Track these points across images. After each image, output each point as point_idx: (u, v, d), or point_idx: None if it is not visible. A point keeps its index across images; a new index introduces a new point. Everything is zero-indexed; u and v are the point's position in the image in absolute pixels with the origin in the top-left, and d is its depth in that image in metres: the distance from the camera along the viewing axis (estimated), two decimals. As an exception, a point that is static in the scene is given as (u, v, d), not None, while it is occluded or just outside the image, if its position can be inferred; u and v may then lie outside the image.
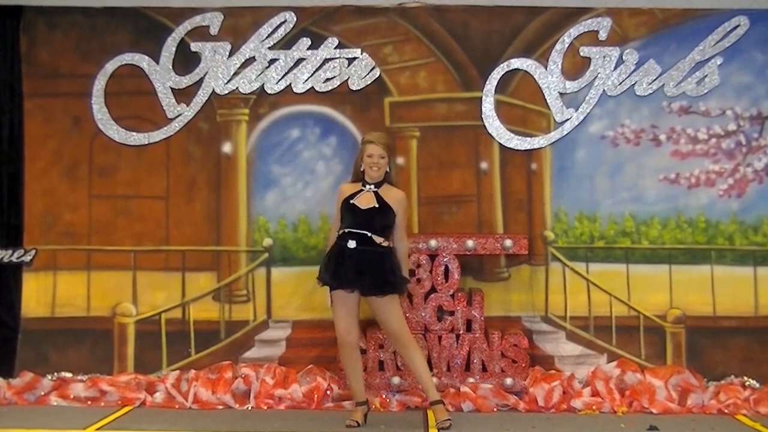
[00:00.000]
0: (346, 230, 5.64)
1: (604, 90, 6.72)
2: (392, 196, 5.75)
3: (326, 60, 6.76)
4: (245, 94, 6.78)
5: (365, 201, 5.71)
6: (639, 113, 6.72)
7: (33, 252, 6.76)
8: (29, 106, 6.82)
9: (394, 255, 5.72)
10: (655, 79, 6.71)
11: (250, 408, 6.24)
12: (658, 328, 6.67)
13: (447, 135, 6.79)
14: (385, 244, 5.66)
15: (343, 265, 5.58)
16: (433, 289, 6.37)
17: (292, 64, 6.77)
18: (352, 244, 5.58)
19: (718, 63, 6.69)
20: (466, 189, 6.77)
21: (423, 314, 6.35)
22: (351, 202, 5.68)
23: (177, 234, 6.78)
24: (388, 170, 5.74)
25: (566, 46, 6.74)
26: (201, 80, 6.78)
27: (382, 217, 5.67)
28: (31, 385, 6.49)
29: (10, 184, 6.79)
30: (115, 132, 6.81)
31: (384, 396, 6.26)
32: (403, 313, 5.86)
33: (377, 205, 5.69)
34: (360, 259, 5.58)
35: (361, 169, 5.79)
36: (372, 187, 5.76)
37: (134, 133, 6.81)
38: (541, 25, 6.74)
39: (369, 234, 5.60)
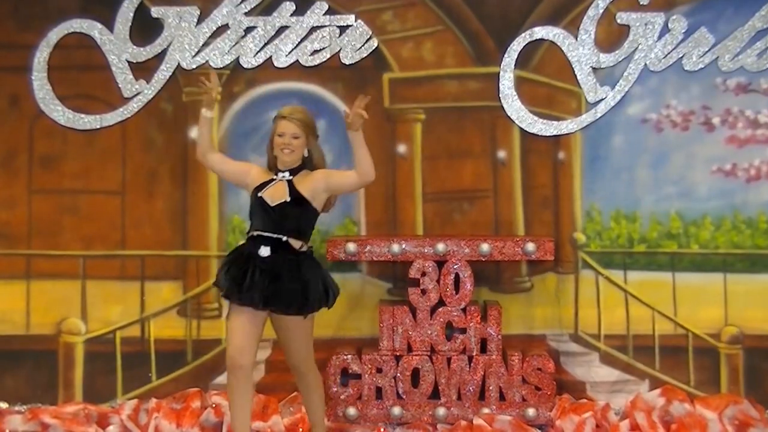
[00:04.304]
0: (256, 233, 5.07)
1: (645, 64, 6.32)
2: (308, 183, 5.10)
3: (314, 28, 6.39)
4: (217, 68, 6.32)
5: (275, 194, 5.09)
6: (688, 92, 6.34)
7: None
8: (-44, 83, 6.56)
9: (315, 261, 5.15)
10: (707, 51, 6.29)
11: (221, 445, 5.91)
12: (710, 349, 6.34)
13: (458, 118, 6.42)
14: (304, 248, 5.10)
15: (252, 279, 4.98)
16: (441, 302, 5.97)
17: (272, 34, 6.40)
18: (265, 252, 5.00)
19: (785, 32, 6.36)
20: (481, 183, 6.44)
21: (429, 332, 5.92)
22: (259, 195, 5.11)
23: (135, 236, 6.48)
24: (306, 154, 5.16)
25: (601, 11, 6.34)
26: (164, 52, 6.43)
27: (296, 214, 5.07)
28: (-43, 419, 6.13)
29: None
30: (60, 114, 6.46)
31: (383, 429, 5.88)
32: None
33: (289, 199, 5.08)
34: (274, 270, 5.00)
35: (274, 153, 5.21)
36: (286, 175, 5.14)
37: (84, 116, 6.46)
38: (571, -13, 6.43)
39: (284, 238, 5.04)
